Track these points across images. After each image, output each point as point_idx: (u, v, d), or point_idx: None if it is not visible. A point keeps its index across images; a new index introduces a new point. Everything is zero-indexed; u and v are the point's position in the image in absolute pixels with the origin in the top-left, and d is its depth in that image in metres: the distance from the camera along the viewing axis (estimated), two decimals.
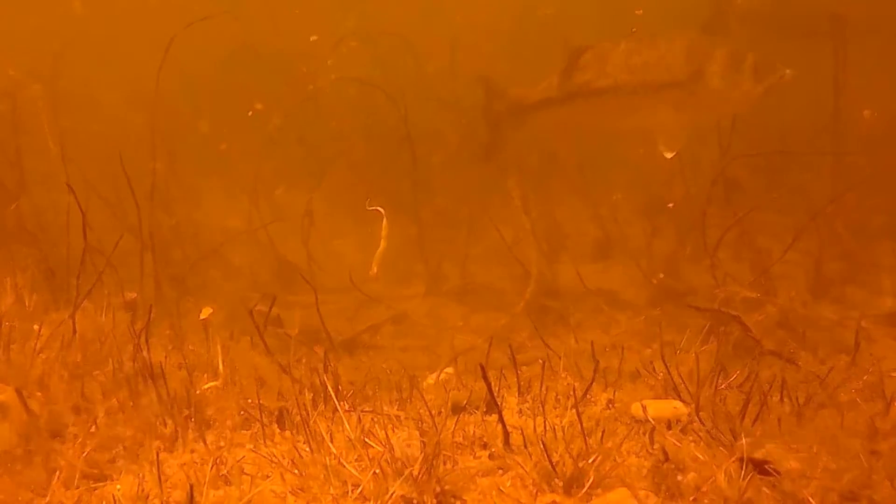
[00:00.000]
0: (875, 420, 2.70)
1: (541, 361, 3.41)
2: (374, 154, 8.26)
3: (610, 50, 5.48)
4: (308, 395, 3.26)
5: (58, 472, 2.67)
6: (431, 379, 3.95)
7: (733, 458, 2.47)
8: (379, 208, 5.11)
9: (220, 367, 3.51)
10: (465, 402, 3.12)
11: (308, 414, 2.98)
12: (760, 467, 2.44)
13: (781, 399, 3.00)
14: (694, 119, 5.24)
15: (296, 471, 2.64)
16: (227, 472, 2.71)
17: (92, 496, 2.61)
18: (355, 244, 7.32)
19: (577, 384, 3.25)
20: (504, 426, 2.75)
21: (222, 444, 2.94)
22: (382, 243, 5.30)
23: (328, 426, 2.88)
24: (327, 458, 2.61)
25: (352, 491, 2.47)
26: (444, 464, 2.63)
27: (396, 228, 7.15)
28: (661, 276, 5.51)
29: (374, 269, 5.42)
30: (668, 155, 5.19)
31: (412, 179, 6.59)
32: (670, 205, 6.02)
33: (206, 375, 3.44)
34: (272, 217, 6.68)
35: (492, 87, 6.22)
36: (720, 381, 3.17)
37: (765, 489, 2.38)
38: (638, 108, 5.41)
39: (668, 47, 5.28)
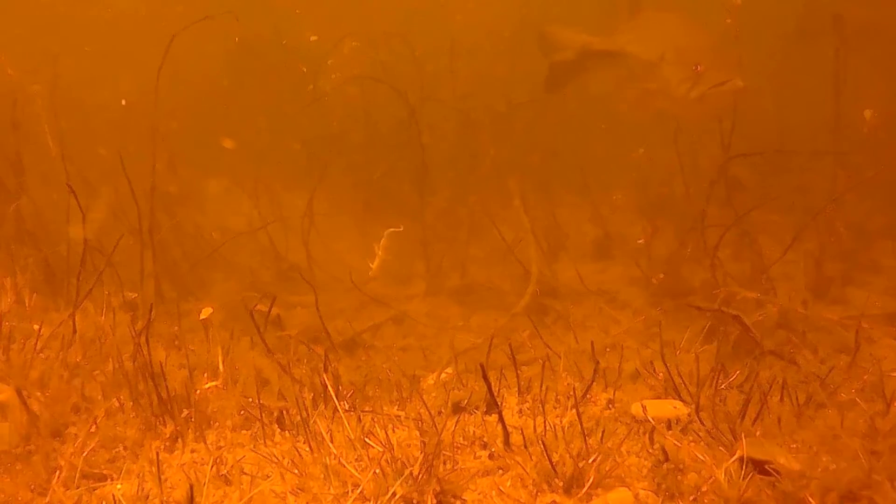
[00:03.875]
0: (875, 420, 2.70)
1: (541, 361, 3.41)
2: (375, 154, 8.27)
3: (650, 19, 5.46)
4: (308, 395, 3.26)
5: (58, 472, 2.67)
6: (431, 379, 3.95)
7: (733, 458, 2.47)
8: (395, 229, 5.22)
9: (220, 367, 3.51)
10: (465, 402, 3.12)
11: (308, 414, 2.98)
12: (760, 467, 2.44)
13: (781, 399, 3.00)
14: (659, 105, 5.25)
15: (296, 471, 2.64)
16: (227, 472, 2.71)
17: (92, 496, 2.61)
18: (355, 244, 7.32)
19: (577, 384, 3.25)
20: (504, 426, 2.75)
21: (222, 444, 2.95)
22: (381, 254, 5.38)
23: (328, 426, 2.88)
24: (327, 458, 2.61)
25: (352, 491, 2.47)
26: (444, 464, 2.63)
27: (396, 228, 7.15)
28: (661, 276, 5.50)
29: (374, 273, 5.48)
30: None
31: (413, 179, 6.59)
32: (640, 241, 6.04)
33: (206, 375, 3.44)
34: (272, 217, 6.68)
35: (553, 34, 6.17)
36: (720, 381, 3.17)
37: (765, 489, 2.38)
38: (631, 78, 5.41)
39: (667, 26, 5.26)
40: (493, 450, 2.75)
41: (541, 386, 3.18)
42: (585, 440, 2.61)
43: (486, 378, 2.82)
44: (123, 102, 7.71)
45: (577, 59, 5.99)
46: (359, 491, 2.45)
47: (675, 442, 2.65)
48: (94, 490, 2.65)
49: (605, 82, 6.06)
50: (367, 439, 2.74)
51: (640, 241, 6.02)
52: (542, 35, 6.28)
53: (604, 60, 5.75)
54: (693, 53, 4.78)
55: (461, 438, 2.84)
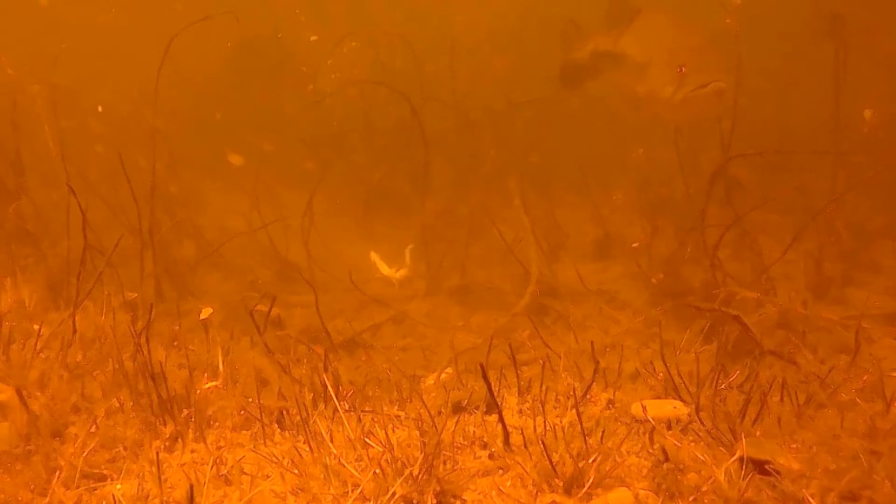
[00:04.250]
0: (875, 420, 2.70)
1: (541, 361, 3.41)
2: (375, 154, 8.27)
3: (647, 20, 5.46)
4: (308, 395, 3.26)
5: (58, 472, 2.67)
6: (431, 379, 3.95)
7: (733, 458, 2.47)
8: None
9: (220, 367, 3.51)
10: (465, 401, 3.12)
11: (308, 414, 2.98)
12: (760, 467, 2.45)
13: (781, 399, 3.00)
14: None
15: (296, 471, 2.64)
16: (227, 472, 2.71)
17: (92, 496, 2.61)
18: (355, 244, 7.33)
19: (577, 384, 3.25)
20: (504, 426, 2.75)
21: (222, 444, 2.95)
22: (405, 268, 5.40)
23: (328, 426, 2.88)
24: (327, 458, 2.61)
25: (352, 491, 2.47)
26: (444, 464, 2.63)
27: (397, 228, 7.17)
28: (661, 275, 5.50)
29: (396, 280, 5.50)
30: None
31: (414, 180, 6.60)
32: (635, 244, 6.04)
33: (206, 375, 3.44)
34: (272, 217, 6.68)
35: (574, 32, 6.15)
36: (720, 381, 3.17)
37: (765, 489, 2.38)
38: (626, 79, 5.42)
39: (660, 27, 5.26)
40: (493, 450, 2.75)
41: (541, 386, 3.18)
42: (585, 440, 2.61)
43: (485, 378, 2.82)
44: (100, 108, 7.72)
45: (589, 59, 5.99)
46: (359, 491, 2.45)
47: (675, 442, 2.65)
48: (94, 490, 2.64)
49: (606, 83, 6.06)
50: (367, 439, 2.74)
51: (635, 245, 6.03)
52: (565, 32, 6.27)
53: (610, 61, 5.76)
54: (679, 56, 4.77)
55: (461, 438, 2.84)
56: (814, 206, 5.21)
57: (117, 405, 3.14)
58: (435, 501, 2.43)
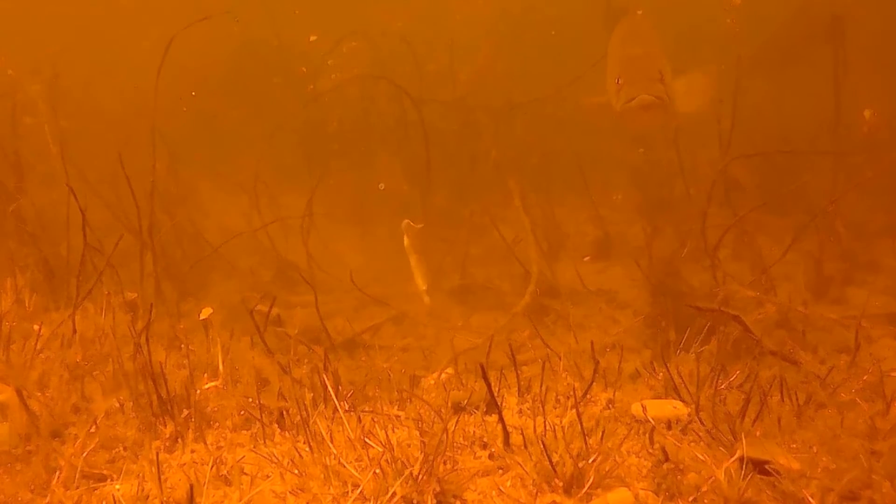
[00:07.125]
0: (875, 420, 2.70)
1: (541, 361, 3.41)
2: (374, 154, 8.27)
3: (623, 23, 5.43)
4: (308, 395, 3.26)
5: (58, 472, 2.67)
6: (431, 379, 3.95)
7: (733, 458, 2.47)
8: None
9: (220, 367, 3.51)
10: (465, 402, 3.12)
11: (308, 414, 2.98)
12: (760, 467, 2.45)
13: (781, 399, 3.00)
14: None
15: (296, 471, 2.64)
16: (227, 472, 2.71)
17: (92, 496, 2.61)
18: (355, 244, 7.33)
19: (577, 384, 3.26)
20: (504, 426, 2.75)
21: (222, 444, 2.95)
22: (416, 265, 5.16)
23: (328, 426, 2.88)
24: (327, 458, 2.61)
25: (352, 491, 2.47)
26: (444, 464, 2.63)
27: (396, 229, 7.15)
28: (661, 276, 5.49)
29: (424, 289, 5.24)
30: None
31: (414, 179, 6.59)
32: (586, 258, 6.06)
33: (206, 375, 3.44)
34: (272, 217, 6.68)
35: None
36: (720, 381, 3.17)
37: (765, 489, 2.38)
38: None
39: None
40: (493, 450, 2.75)
41: (541, 386, 3.18)
42: (585, 440, 2.61)
43: (485, 378, 2.82)
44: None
45: None
46: (359, 491, 2.45)
47: (675, 442, 2.65)
48: (94, 490, 2.64)
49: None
50: (367, 439, 2.74)
51: (587, 259, 6.06)
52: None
53: None
54: (627, 65, 4.73)
55: (461, 438, 2.84)
56: (814, 206, 5.21)
57: (117, 405, 3.14)
58: (435, 501, 2.43)
